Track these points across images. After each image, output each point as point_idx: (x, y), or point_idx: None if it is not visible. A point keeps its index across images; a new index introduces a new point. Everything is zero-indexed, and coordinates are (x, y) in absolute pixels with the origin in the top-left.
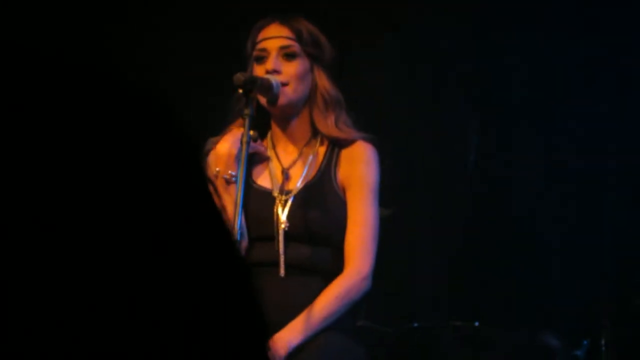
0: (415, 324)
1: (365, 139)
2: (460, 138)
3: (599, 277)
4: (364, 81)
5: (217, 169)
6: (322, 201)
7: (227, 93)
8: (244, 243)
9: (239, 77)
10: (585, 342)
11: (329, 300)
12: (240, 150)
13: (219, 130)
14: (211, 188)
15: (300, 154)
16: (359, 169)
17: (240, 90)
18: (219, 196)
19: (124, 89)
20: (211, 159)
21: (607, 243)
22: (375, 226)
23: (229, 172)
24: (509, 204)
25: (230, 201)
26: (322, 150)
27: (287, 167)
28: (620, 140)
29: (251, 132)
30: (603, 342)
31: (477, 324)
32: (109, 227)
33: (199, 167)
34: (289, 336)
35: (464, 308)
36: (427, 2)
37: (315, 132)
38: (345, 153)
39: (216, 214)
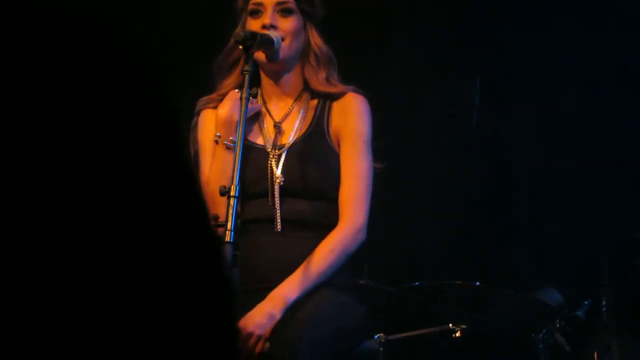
0: (417, 283)
1: (356, 91)
2: (462, 99)
3: (599, 237)
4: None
5: (218, 133)
6: (316, 154)
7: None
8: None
9: (239, 33)
10: (586, 303)
11: (325, 253)
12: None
13: (209, 88)
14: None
15: (292, 108)
16: (351, 120)
17: (241, 47)
18: (218, 157)
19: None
20: (208, 123)
21: (607, 201)
22: (369, 178)
23: (230, 137)
24: (509, 164)
25: (229, 160)
26: (313, 103)
27: (280, 121)
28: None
29: (251, 89)
30: (604, 302)
31: (477, 283)
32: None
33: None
34: (286, 291)
35: (467, 270)
36: None
37: (306, 87)
38: (336, 105)
39: (190, 183)
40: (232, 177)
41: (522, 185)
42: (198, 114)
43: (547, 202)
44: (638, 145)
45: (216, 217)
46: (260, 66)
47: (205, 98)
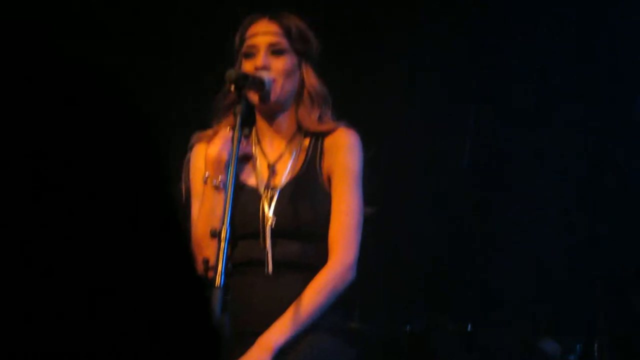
0: (409, 327)
1: (348, 127)
2: (455, 134)
3: (595, 279)
4: (356, 76)
5: (207, 173)
6: (308, 195)
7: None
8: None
9: (232, 73)
10: (578, 347)
11: (313, 294)
12: (230, 154)
13: (205, 125)
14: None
15: (285, 149)
16: (342, 155)
17: (233, 87)
18: (207, 198)
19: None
20: (199, 160)
21: (603, 244)
22: (359, 215)
23: (219, 177)
24: (502, 203)
25: (219, 201)
26: (306, 143)
27: (273, 162)
28: (619, 146)
29: (243, 130)
30: (596, 346)
31: (470, 326)
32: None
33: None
34: (274, 337)
35: (458, 309)
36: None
37: (300, 127)
38: (328, 142)
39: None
40: (223, 219)
41: (517, 223)
42: (191, 149)
43: (545, 240)
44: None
45: (206, 261)
46: (256, 107)
47: (199, 133)
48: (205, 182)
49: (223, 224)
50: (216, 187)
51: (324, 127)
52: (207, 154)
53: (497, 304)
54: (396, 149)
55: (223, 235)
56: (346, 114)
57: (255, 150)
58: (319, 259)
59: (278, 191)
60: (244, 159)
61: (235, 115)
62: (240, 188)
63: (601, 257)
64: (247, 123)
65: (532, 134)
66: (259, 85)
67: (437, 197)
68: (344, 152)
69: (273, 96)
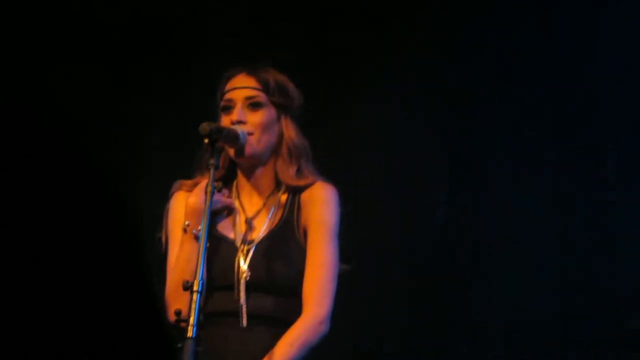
0: None
1: (324, 181)
2: (429, 194)
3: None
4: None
5: (187, 222)
6: (284, 250)
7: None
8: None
9: (205, 127)
10: None
11: (285, 347)
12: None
13: (187, 174)
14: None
15: (264, 204)
16: (318, 209)
17: (206, 140)
18: (185, 246)
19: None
20: (179, 208)
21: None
22: (334, 266)
23: (198, 227)
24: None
25: (196, 250)
26: (283, 199)
27: (251, 217)
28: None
29: (216, 183)
30: None
31: None
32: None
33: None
34: None
35: None
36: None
37: (279, 182)
38: (304, 196)
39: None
40: (195, 272)
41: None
42: (171, 196)
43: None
44: None
45: (178, 312)
46: (235, 161)
47: (180, 181)
48: (184, 231)
49: (195, 276)
50: (195, 237)
51: (301, 182)
52: (187, 204)
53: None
54: (371, 205)
55: (195, 287)
56: (324, 168)
57: (236, 204)
58: (294, 313)
59: (254, 246)
60: (226, 212)
61: (208, 168)
62: (218, 240)
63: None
64: (227, 177)
65: (508, 193)
66: (233, 138)
67: (411, 253)
68: (320, 206)
69: (248, 150)
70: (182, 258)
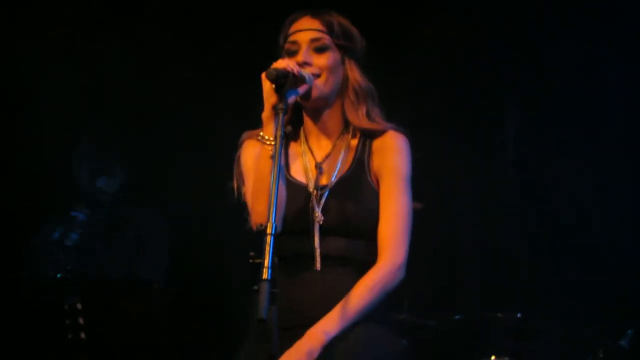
0: (457, 316)
1: (397, 130)
2: (499, 130)
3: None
4: (401, 72)
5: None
6: (356, 194)
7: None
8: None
9: (272, 71)
10: (629, 332)
11: (364, 291)
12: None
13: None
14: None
15: (333, 148)
16: (391, 159)
17: (273, 85)
18: (261, 169)
19: None
20: (249, 155)
21: None
22: (408, 215)
23: (265, 136)
24: (550, 200)
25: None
26: (354, 142)
27: (321, 161)
28: None
29: (285, 127)
30: None
31: (519, 315)
32: None
33: None
34: (324, 329)
35: (506, 301)
36: None
37: (347, 125)
38: (377, 144)
39: None
40: (269, 215)
41: (564, 214)
42: (241, 145)
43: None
44: None
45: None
46: (300, 104)
47: (248, 132)
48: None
49: (268, 219)
50: (271, 157)
51: (373, 126)
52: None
53: (542, 294)
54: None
55: (269, 230)
56: (389, 115)
57: (304, 148)
58: (367, 255)
59: (327, 190)
60: (294, 153)
61: (276, 113)
62: (291, 183)
63: None
64: (294, 122)
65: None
66: (300, 82)
67: (486, 191)
68: (394, 155)
69: (315, 92)
70: (259, 181)
